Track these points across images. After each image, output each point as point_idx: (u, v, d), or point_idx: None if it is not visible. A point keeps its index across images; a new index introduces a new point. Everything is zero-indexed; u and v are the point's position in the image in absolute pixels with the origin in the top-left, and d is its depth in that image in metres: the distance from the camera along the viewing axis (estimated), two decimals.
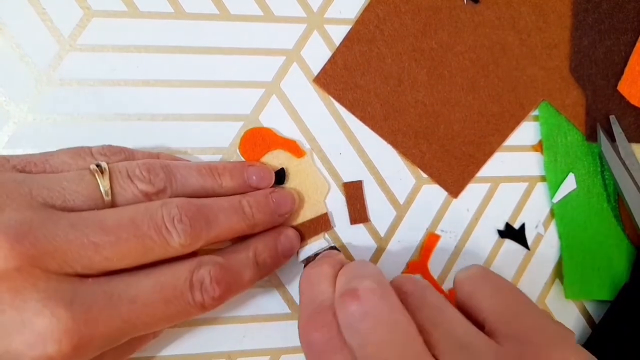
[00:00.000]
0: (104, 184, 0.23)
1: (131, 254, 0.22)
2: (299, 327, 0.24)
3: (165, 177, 0.25)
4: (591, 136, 0.32)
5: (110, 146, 0.26)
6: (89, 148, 0.26)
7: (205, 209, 0.25)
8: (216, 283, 0.24)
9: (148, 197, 0.24)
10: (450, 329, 0.22)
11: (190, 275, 0.23)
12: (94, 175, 0.23)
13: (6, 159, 0.24)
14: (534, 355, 0.21)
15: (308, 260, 0.30)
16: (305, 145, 0.30)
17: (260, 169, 0.28)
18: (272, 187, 0.29)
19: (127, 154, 0.26)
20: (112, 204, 0.24)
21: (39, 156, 0.25)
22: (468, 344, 0.22)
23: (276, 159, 0.30)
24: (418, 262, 0.31)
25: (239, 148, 0.30)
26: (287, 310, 0.30)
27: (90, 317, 0.21)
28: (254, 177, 0.28)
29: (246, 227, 0.27)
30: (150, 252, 0.23)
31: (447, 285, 0.31)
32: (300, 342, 0.24)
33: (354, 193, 0.31)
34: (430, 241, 0.31)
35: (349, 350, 0.22)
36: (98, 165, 0.24)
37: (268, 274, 0.28)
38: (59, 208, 0.22)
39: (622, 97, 0.33)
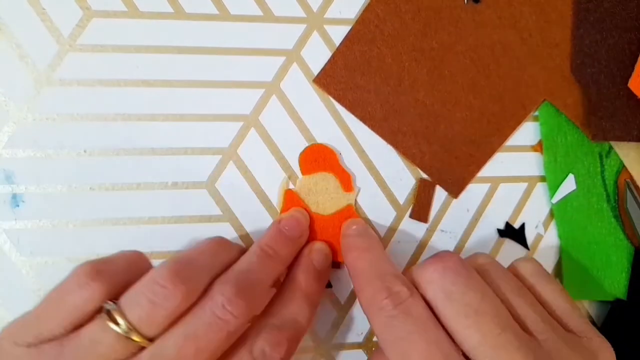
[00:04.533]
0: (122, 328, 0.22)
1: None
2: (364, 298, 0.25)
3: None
4: (597, 135, 0.32)
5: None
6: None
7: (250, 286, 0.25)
8: (277, 345, 0.24)
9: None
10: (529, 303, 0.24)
11: (250, 356, 0.24)
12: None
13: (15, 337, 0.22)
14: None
15: None
16: (355, 168, 0.31)
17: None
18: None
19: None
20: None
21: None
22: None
23: (324, 181, 0.30)
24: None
25: (300, 155, 0.30)
26: None
27: None
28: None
29: (283, 269, 0.27)
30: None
31: None
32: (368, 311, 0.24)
33: (426, 191, 0.31)
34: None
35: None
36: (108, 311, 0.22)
37: (320, 298, 0.28)
38: None
39: (629, 96, 0.32)
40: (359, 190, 0.31)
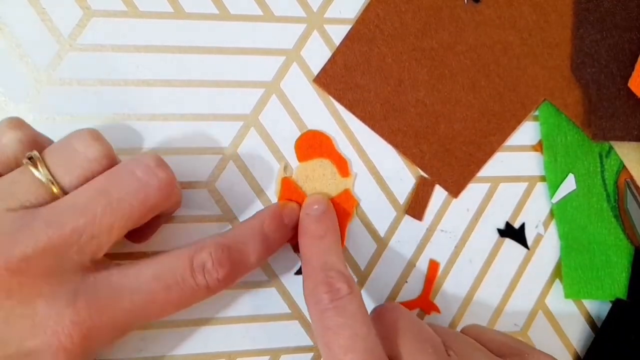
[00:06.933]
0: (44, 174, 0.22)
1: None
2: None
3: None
4: (597, 135, 0.32)
5: None
6: None
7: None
8: (219, 265, 0.24)
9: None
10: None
11: (190, 261, 0.24)
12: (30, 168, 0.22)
13: None
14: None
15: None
16: (355, 168, 0.31)
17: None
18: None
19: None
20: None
21: None
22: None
23: (321, 167, 0.30)
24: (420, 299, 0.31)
25: (295, 142, 0.30)
26: (287, 310, 0.30)
27: (94, 311, 0.21)
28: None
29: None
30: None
31: (446, 286, 0.31)
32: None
33: (425, 189, 0.31)
34: (432, 271, 0.31)
35: None
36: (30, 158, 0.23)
37: (276, 249, 0.28)
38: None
39: (629, 95, 0.32)
40: (356, 175, 0.31)
